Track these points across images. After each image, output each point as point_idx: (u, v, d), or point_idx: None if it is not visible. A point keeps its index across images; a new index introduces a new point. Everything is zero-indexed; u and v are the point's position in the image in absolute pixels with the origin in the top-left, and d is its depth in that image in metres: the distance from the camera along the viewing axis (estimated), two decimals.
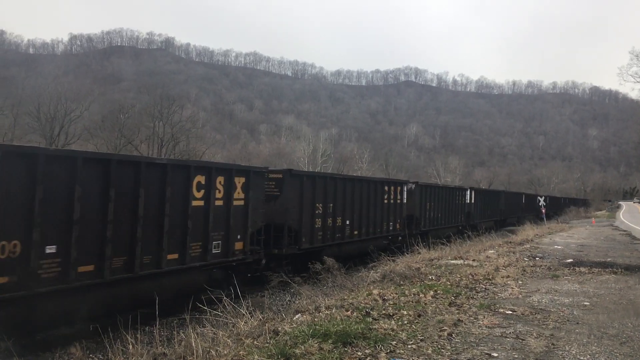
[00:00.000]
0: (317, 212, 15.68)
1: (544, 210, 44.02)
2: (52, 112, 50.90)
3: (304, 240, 14.95)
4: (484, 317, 7.79)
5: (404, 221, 21.92)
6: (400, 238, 21.23)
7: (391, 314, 7.65)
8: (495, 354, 5.96)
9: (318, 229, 15.75)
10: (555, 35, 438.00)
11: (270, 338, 6.28)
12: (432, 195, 25.63)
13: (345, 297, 9.17)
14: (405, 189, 22.16)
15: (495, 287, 10.48)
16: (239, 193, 12.14)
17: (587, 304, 9.10)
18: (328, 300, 8.89)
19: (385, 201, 20.20)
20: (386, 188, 20.39)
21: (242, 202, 12.24)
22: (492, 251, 17.37)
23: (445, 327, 6.96)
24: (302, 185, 15.01)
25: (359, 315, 7.44)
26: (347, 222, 17.39)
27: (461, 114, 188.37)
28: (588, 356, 6.08)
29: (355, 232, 18.01)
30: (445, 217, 27.68)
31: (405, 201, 21.93)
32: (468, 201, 31.97)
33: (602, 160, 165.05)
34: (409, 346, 6.13)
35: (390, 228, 20.71)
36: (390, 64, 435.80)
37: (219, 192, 11.46)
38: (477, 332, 6.89)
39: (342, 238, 17.14)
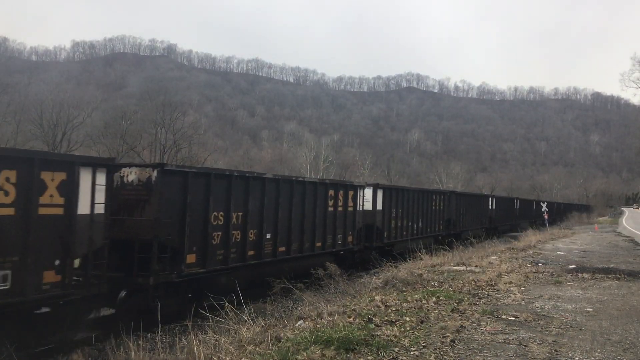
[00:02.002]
0: None
1: (546, 216, 44.01)
2: (54, 118, 51.03)
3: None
4: (487, 323, 7.77)
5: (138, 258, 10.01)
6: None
7: (394, 320, 7.63)
8: None
9: None
10: (557, 42, 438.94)
11: (272, 345, 6.27)
12: (245, 194, 12.60)
13: (348, 304, 9.15)
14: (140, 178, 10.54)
15: (497, 293, 10.46)
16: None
17: (590, 310, 9.07)
18: (330, 306, 8.89)
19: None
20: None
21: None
22: (495, 257, 17.35)
23: (447, 334, 6.95)
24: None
25: (362, 321, 7.43)
26: None
27: (463, 120, 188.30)
28: None
29: None
30: (291, 235, 14.53)
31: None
32: (370, 208, 19.51)
33: (604, 166, 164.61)
34: (412, 353, 6.12)
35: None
36: (391, 70, 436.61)
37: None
38: (479, 339, 6.87)
39: None
